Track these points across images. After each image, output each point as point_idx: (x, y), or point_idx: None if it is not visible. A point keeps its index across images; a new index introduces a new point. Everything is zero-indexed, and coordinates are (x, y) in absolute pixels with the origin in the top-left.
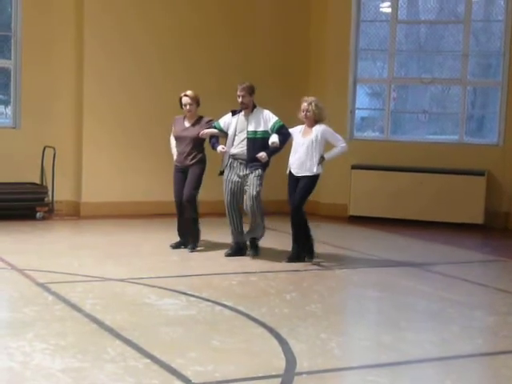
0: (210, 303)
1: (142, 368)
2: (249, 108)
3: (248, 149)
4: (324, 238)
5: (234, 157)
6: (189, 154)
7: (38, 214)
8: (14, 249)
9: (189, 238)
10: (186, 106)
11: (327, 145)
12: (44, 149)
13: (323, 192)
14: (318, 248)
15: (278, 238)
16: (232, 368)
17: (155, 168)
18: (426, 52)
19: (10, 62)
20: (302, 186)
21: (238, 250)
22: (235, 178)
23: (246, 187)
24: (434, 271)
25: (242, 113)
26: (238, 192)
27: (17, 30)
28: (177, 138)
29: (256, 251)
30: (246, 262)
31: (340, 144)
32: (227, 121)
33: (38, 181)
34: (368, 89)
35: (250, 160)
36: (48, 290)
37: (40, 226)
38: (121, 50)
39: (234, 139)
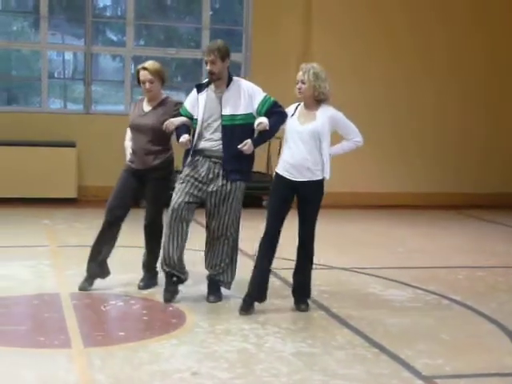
0: (436, 296)
1: (371, 357)
2: (222, 80)
3: (224, 142)
4: None
5: (203, 153)
6: (149, 152)
7: (264, 202)
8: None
9: (100, 271)
10: (144, 83)
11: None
12: None
13: None
14: None
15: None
16: (462, 363)
17: (381, 158)
18: None
19: (240, 55)
20: (311, 208)
21: (171, 284)
22: (199, 179)
23: (213, 208)
24: None
25: (212, 87)
26: (196, 199)
27: (248, 25)
28: (132, 128)
29: (219, 296)
30: (471, 257)
31: (354, 138)
32: (193, 101)
33: (264, 170)
34: None
35: (229, 158)
36: (275, 275)
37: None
38: (353, 43)
39: (203, 127)
